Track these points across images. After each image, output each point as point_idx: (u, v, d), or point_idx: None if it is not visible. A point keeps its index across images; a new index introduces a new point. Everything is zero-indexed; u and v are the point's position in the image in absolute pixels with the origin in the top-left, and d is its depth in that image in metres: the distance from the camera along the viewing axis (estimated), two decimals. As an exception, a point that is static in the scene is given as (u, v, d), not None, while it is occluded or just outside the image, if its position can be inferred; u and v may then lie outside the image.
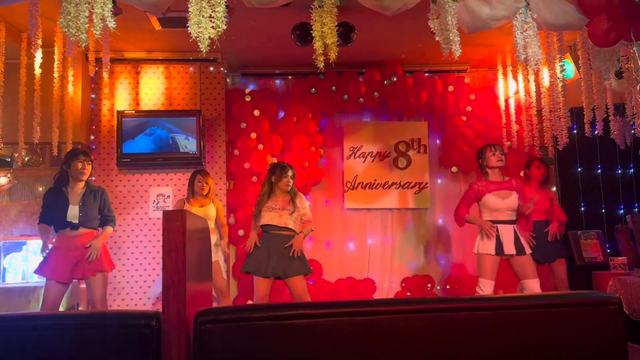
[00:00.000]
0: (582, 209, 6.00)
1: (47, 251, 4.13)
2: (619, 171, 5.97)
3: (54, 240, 4.24)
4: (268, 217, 4.35)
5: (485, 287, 4.17)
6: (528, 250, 4.22)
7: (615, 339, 1.69)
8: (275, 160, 5.66)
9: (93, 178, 5.31)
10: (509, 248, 4.16)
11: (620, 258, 4.79)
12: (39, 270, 4.14)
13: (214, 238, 4.89)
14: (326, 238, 6.00)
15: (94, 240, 4.20)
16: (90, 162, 4.28)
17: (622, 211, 5.92)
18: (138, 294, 5.34)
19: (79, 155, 4.25)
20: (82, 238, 4.19)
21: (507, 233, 4.19)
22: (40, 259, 4.28)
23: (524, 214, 4.30)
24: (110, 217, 4.38)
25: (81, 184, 4.27)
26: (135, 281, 5.35)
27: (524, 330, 1.68)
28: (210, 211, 4.86)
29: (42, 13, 3.70)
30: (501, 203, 4.23)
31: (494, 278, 4.21)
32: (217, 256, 4.87)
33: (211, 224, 4.81)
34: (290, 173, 4.42)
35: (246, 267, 4.34)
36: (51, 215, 4.20)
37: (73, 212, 4.16)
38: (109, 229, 4.36)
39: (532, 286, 4.16)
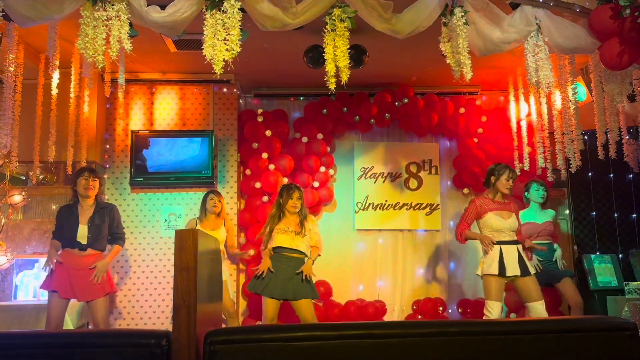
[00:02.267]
0: (596, 231, 5.93)
1: (49, 267, 4.12)
2: (633, 193, 5.91)
3: (59, 253, 4.25)
4: (280, 239, 4.37)
5: (493, 310, 4.11)
6: (532, 271, 4.19)
7: (631, 365, 1.66)
8: (286, 180, 5.68)
9: (106, 197, 5.36)
10: (513, 269, 4.11)
11: (635, 283, 4.72)
12: (44, 285, 4.15)
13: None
14: (336, 259, 5.97)
15: (99, 261, 4.20)
16: (95, 179, 4.27)
17: (636, 232, 5.84)
18: (147, 313, 5.33)
19: (83, 172, 4.28)
20: (88, 259, 4.19)
21: (510, 254, 4.15)
22: (42, 273, 4.31)
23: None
24: (118, 234, 4.38)
25: (90, 202, 4.28)
26: (145, 300, 5.35)
27: (537, 355, 1.65)
28: (220, 234, 4.89)
29: (60, 35, 3.80)
30: (503, 223, 4.21)
31: (501, 299, 4.18)
32: (225, 275, 4.88)
33: (220, 246, 4.85)
34: (296, 195, 4.45)
35: (255, 288, 4.34)
36: (61, 232, 4.23)
37: (82, 232, 4.18)
38: (118, 248, 4.36)
39: (538, 308, 4.10)
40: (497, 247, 4.18)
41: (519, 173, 5.66)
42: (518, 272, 4.11)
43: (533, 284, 4.12)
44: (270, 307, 4.29)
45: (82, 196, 4.25)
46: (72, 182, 4.32)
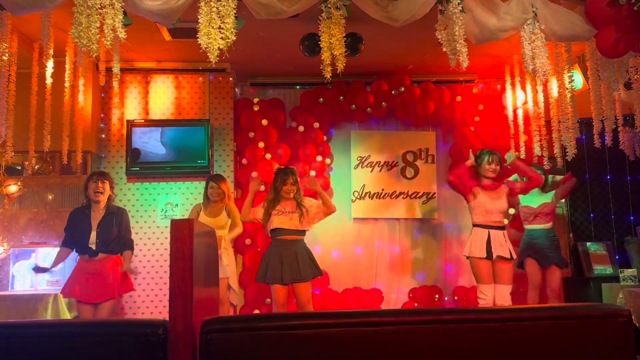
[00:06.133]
0: (591, 219, 5.95)
1: (52, 270, 4.24)
2: (629, 180, 5.92)
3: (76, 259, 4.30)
4: (278, 221, 4.44)
5: (487, 292, 4.26)
6: (514, 257, 4.40)
7: (625, 352, 1.67)
8: (282, 169, 5.67)
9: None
10: (500, 250, 4.29)
11: (630, 270, 4.75)
12: (65, 292, 4.21)
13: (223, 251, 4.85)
14: (333, 248, 5.99)
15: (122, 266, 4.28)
16: (105, 182, 4.26)
17: (631, 218, 5.86)
18: (145, 302, 5.35)
19: (92, 176, 4.30)
20: (101, 263, 4.19)
21: (497, 238, 4.32)
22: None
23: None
24: (125, 239, 4.33)
25: (101, 206, 4.27)
26: (143, 289, 5.36)
27: (532, 342, 1.66)
28: (221, 221, 4.85)
29: (54, 23, 3.76)
30: (492, 204, 4.36)
31: (492, 282, 4.30)
32: (224, 273, 4.82)
33: (222, 232, 4.79)
34: (290, 180, 4.50)
35: (264, 279, 4.42)
36: (73, 238, 4.23)
37: (92, 238, 4.19)
38: (127, 254, 4.32)
39: (505, 292, 4.29)
40: (485, 230, 4.29)
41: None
42: (505, 254, 4.29)
43: (509, 268, 4.33)
44: (280, 294, 4.38)
45: (93, 201, 4.25)
46: (84, 187, 4.33)
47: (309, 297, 4.43)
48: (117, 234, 4.26)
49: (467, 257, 4.40)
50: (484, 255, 4.24)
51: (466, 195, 4.46)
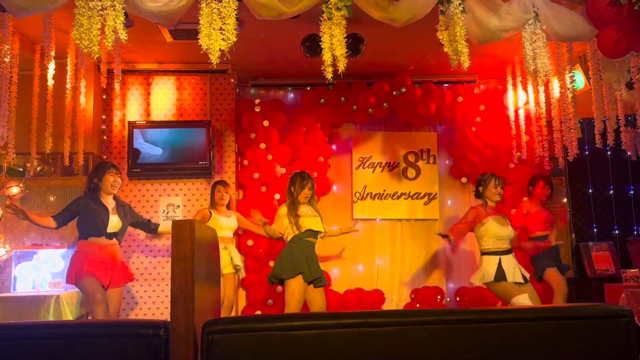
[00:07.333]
0: (593, 219, 5.95)
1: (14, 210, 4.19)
2: (631, 179, 5.92)
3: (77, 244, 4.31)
4: (308, 223, 4.49)
5: (524, 302, 4.05)
6: (528, 278, 4.26)
7: (627, 351, 1.67)
8: (284, 170, 5.68)
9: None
10: (514, 276, 4.14)
11: (632, 270, 4.74)
12: (74, 279, 4.12)
13: (231, 248, 4.96)
14: (334, 248, 5.98)
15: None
16: (120, 175, 4.38)
17: (634, 220, 5.86)
18: (147, 304, 5.35)
19: (110, 168, 4.33)
20: (113, 249, 4.27)
21: (509, 262, 4.19)
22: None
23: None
24: (145, 221, 4.67)
25: (111, 197, 4.36)
26: (145, 291, 5.36)
27: (534, 342, 1.66)
28: (234, 222, 4.97)
29: (55, 25, 3.78)
30: (503, 230, 4.26)
31: (521, 293, 4.12)
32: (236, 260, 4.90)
33: (231, 234, 4.97)
34: (309, 185, 4.56)
35: (287, 274, 4.35)
36: (86, 224, 4.22)
37: (114, 222, 4.24)
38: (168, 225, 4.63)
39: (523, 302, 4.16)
40: (495, 257, 4.20)
41: (516, 161, 5.68)
42: (521, 280, 4.15)
43: (532, 292, 4.18)
44: (299, 290, 4.31)
45: (105, 192, 4.30)
46: (95, 177, 4.31)
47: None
48: (131, 224, 4.52)
49: (484, 284, 4.23)
50: (492, 279, 4.13)
51: (474, 227, 4.37)
